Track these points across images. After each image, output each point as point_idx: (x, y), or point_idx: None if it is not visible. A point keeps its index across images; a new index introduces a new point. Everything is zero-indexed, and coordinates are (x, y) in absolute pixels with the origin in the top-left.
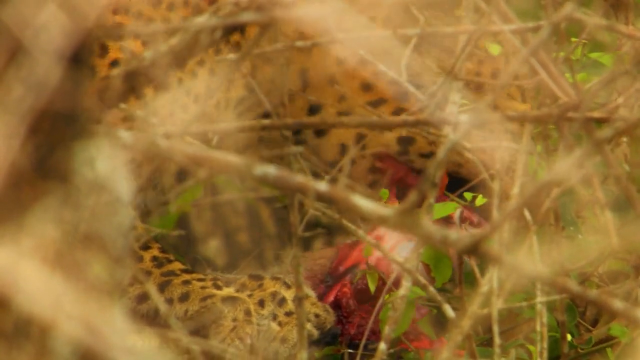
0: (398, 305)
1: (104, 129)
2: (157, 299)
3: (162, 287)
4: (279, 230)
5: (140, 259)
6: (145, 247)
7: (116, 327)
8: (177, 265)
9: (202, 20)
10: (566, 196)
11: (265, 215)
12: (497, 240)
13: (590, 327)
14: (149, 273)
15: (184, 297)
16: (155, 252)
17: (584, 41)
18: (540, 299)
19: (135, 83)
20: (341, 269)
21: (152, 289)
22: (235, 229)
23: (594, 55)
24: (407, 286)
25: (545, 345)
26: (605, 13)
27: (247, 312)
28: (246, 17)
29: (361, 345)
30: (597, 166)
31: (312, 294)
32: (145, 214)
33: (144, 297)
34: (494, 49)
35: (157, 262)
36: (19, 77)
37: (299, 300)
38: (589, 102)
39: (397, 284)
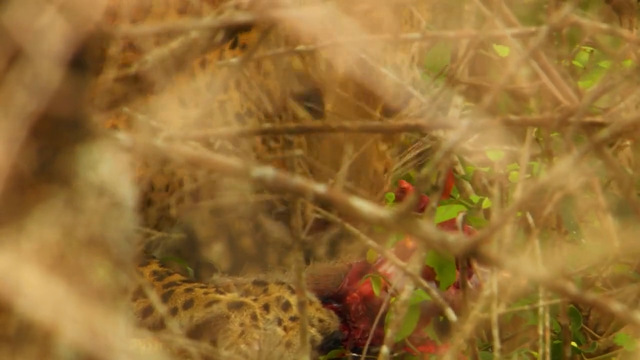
0: (400, 310)
1: (102, 130)
2: (156, 302)
3: (165, 298)
4: (282, 235)
5: (140, 275)
6: (144, 263)
7: (119, 331)
8: (177, 277)
9: (197, 21)
10: (568, 200)
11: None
12: (498, 243)
13: (593, 333)
14: (150, 286)
15: (188, 304)
16: (154, 266)
17: (591, 49)
18: (542, 302)
19: (136, 86)
20: (345, 290)
21: (152, 294)
22: (238, 233)
23: (603, 64)
24: (409, 290)
25: (547, 349)
26: (608, 17)
27: (254, 317)
28: (242, 17)
29: (364, 350)
30: (600, 170)
31: (316, 299)
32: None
33: (148, 311)
34: (502, 51)
35: (157, 275)
36: (20, 81)
37: (301, 304)
38: (588, 107)
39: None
